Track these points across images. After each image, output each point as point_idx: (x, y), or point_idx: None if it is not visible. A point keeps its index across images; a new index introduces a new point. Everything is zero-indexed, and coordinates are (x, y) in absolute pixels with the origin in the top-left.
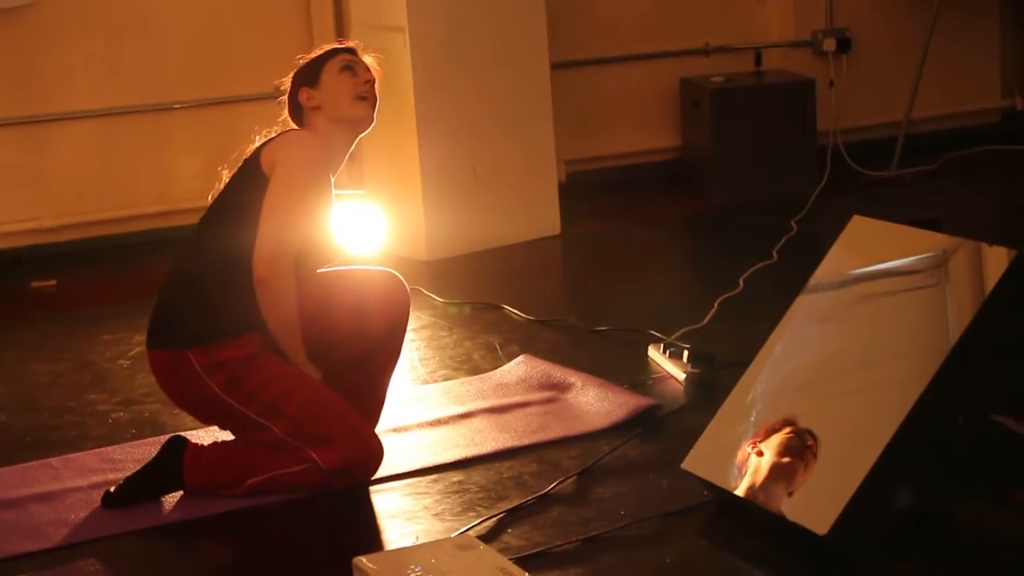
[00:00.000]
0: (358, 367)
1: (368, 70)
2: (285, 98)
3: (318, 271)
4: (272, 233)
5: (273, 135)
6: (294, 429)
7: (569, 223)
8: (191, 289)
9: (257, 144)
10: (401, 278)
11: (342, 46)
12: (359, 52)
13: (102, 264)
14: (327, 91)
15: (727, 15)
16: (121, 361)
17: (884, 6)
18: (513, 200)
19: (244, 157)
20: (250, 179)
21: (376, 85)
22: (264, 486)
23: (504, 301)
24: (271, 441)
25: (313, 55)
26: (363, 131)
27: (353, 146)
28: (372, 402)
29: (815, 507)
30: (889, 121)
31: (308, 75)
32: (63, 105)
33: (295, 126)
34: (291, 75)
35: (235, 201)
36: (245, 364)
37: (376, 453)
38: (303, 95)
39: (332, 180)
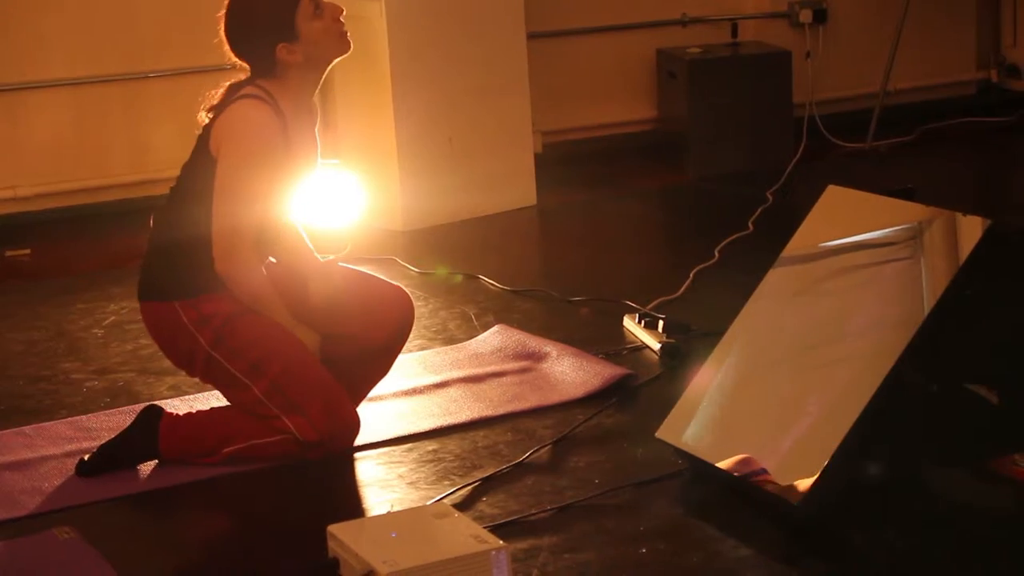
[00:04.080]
0: (347, 366)
1: (326, 2)
2: (240, 61)
3: (340, 263)
4: (223, 221)
5: (216, 101)
6: (273, 391)
7: (545, 194)
8: (172, 248)
9: (206, 117)
10: (412, 301)
11: None
12: None
13: (77, 233)
14: (309, 42)
15: None
16: (95, 330)
17: None
18: (489, 170)
19: (198, 132)
20: (203, 159)
21: (342, 11)
22: (239, 455)
23: (480, 271)
24: (251, 402)
25: (249, 9)
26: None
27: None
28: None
29: (789, 475)
30: (865, 93)
31: (280, 29)
32: (38, 73)
33: (246, 89)
34: (231, 34)
35: (190, 183)
36: (231, 320)
37: (352, 425)
38: (283, 51)
39: (295, 143)
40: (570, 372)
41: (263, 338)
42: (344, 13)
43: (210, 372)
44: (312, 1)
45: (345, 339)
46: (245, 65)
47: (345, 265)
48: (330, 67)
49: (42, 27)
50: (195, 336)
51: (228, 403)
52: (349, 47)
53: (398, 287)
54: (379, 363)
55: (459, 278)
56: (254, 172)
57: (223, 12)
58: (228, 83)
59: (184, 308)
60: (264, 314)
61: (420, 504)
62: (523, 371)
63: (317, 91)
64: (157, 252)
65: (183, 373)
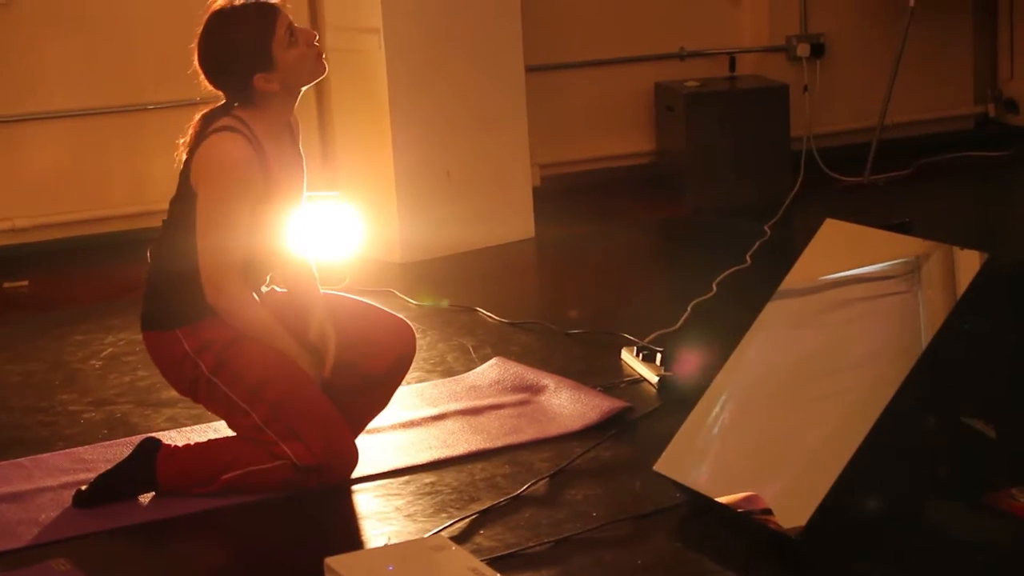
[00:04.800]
0: (347, 396)
1: (298, 27)
2: (216, 90)
3: (336, 294)
4: (208, 256)
5: (191, 136)
6: (271, 417)
7: (543, 227)
8: (171, 278)
9: (184, 153)
10: (413, 333)
11: (259, 4)
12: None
13: (74, 265)
14: (286, 69)
15: (702, 20)
16: (93, 361)
17: (858, 12)
18: (487, 203)
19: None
20: (186, 193)
21: (316, 36)
22: (237, 483)
23: (478, 304)
24: (250, 428)
25: (225, 39)
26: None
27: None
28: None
29: (787, 509)
30: (863, 127)
31: (257, 59)
32: (36, 105)
33: (220, 121)
34: (206, 65)
35: (179, 216)
36: (231, 345)
37: (350, 456)
38: (260, 81)
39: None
40: (568, 405)
41: (263, 364)
42: (317, 37)
43: (212, 398)
44: (287, 30)
45: (345, 367)
46: (220, 94)
47: (347, 295)
48: (306, 88)
49: (41, 59)
50: (196, 363)
51: (228, 434)
52: (324, 70)
53: (400, 318)
54: (379, 393)
55: (446, 303)
56: (233, 206)
57: (196, 43)
58: (201, 114)
59: (185, 335)
60: (266, 342)
61: (417, 537)
62: (521, 403)
63: (295, 109)
64: (156, 283)
65: (181, 405)
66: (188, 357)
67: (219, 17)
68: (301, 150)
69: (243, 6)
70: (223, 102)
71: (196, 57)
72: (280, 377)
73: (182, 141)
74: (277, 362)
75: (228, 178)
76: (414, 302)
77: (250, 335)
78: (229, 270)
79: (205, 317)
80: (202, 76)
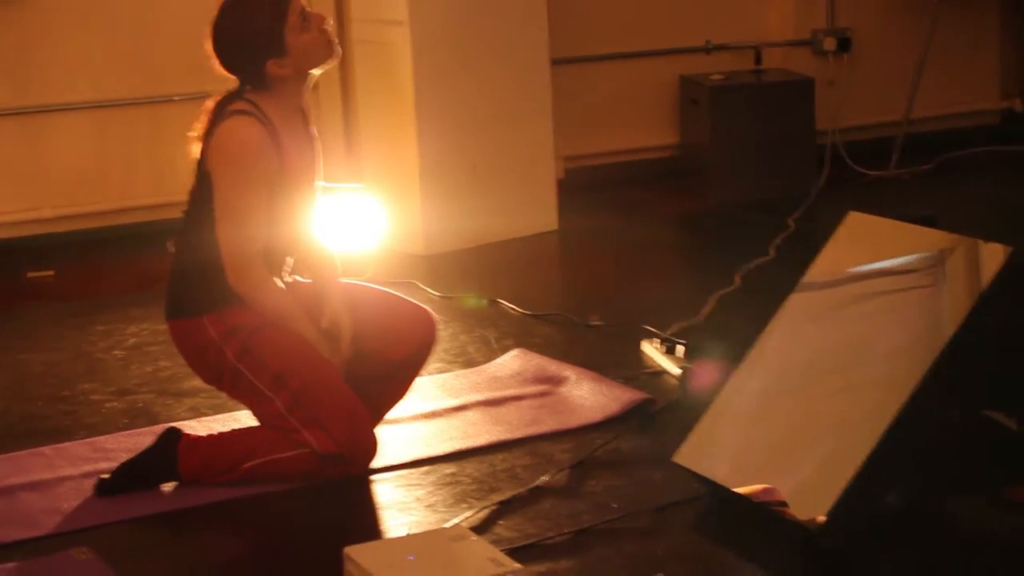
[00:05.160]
0: (367, 383)
1: (310, 11)
2: (230, 75)
3: (359, 283)
4: (229, 241)
5: (205, 125)
6: (294, 404)
7: (567, 219)
8: (195, 267)
9: (199, 141)
10: (436, 320)
11: None
12: None
13: (99, 255)
14: (299, 55)
15: (728, 13)
16: (116, 351)
17: (884, 6)
18: (511, 195)
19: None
20: (203, 181)
21: (327, 19)
22: (259, 471)
23: (500, 295)
24: (273, 415)
25: (239, 26)
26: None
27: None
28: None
29: (808, 501)
30: (888, 121)
31: (270, 45)
32: (61, 96)
33: (234, 105)
34: (221, 51)
35: (199, 206)
36: (257, 332)
37: (371, 445)
38: (273, 66)
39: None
40: (589, 396)
41: (287, 350)
42: (329, 21)
43: (237, 386)
44: (299, 15)
45: (366, 355)
46: (233, 77)
47: (369, 285)
48: (318, 72)
49: (66, 50)
50: (222, 350)
51: (250, 424)
52: (338, 53)
53: (422, 307)
54: (399, 381)
55: (485, 303)
56: (250, 188)
57: (210, 27)
58: (214, 101)
59: (211, 322)
60: (288, 328)
61: (437, 527)
62: (542, 395)
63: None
64: (180, 273)
65: (202, 395)
66: (213, 345)
67: (233, 3)
68: (314, 132)
69: None
70: (235, 88)
71: (210, 42)
72: (304, 365)
73: (195, 131)
74: (302, 350)
75: (243, 160)
76: (434, 295)
77: (273, 320)
78: (250, 252)
79: (231, 304)
80: (215, 60)
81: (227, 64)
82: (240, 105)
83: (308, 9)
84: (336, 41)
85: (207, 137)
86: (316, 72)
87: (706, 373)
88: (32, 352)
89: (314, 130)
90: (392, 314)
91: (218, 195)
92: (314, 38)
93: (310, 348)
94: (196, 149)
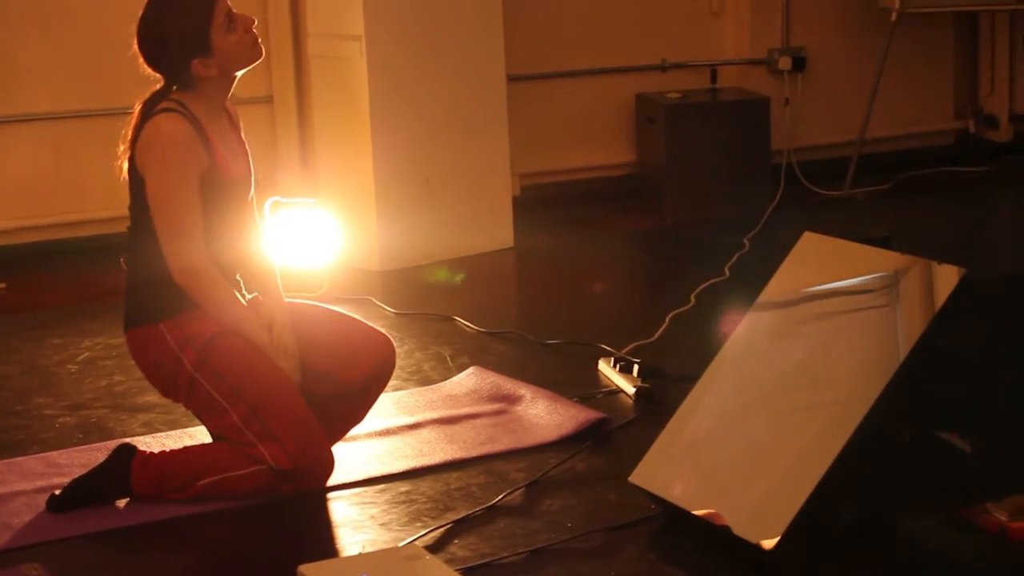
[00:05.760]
0: (321, 405)
1: (237, 12)
2: (155, 73)
3: (315, 303)
4: (169, 243)
5: (132, 129)
6: (250, 417)
7: (523, 236)
8: (148, 277)
9: (128, 145)
10: (392, 345)
11: None
12: None
13: (52, 268)
14: (224, 55)
15: (684, 32)
16: (69, 365)
17: (840, 26)
18: (467, 212)
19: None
20: (138, 185)
21: (254, 21)
22: (213, 489)
23: (456, 313)
24: (228, 427)
25: (164, 25)
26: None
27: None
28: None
29: (762, 522)
30: (843, 141)
31: (195, 44)
32: (15, 107)
33: (160, 105)
34: (145, 49)
35: (140, 216)
36: (214, 340)
37: (326, 462)
38: (199, 66)
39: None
40: (544, 415)
41: (244, 362)
42: (256, 23)
43: (192, 396)
44: (226, 15)
45: (319, 376)
46: (159, 76)
47: (325, 305)
48: (242, 73)
49: (21, 61)
50: (179, 359)
51: (204, 440)
52: (261, 55)
53: (380, 331)
54: (353, 406)
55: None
56: (183, 181)
57: (136, 25)
58: (140, 103)
59: (168, 328)
60: (244, 332)
61: (392, 545)
62: (497, 413)
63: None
64: (134, 286)
65: (156, 410)
66: (170, 353)
67: (158, 2)
68: (243, 138)
69: None
70: (160, 88)
71: (135, 40)
72: (260, 378)
73: (122, 141)
74: (259, 362)
75: (171, 153)
76: (389, 311)
77: (227, 323)
78: (191, 246)
79: (186, 310)
80: (140, 59)
81: (151, 62)
82: (165, 104)
83: (235, 11)
84: (261, 42)
85: (135, 142)
86: (239, 73)
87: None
88: None
89: (243, 136)
90: (347, 337)
91: (151, 192)
92: (240, 39)
93: (267, 360)
94: (125, 158)
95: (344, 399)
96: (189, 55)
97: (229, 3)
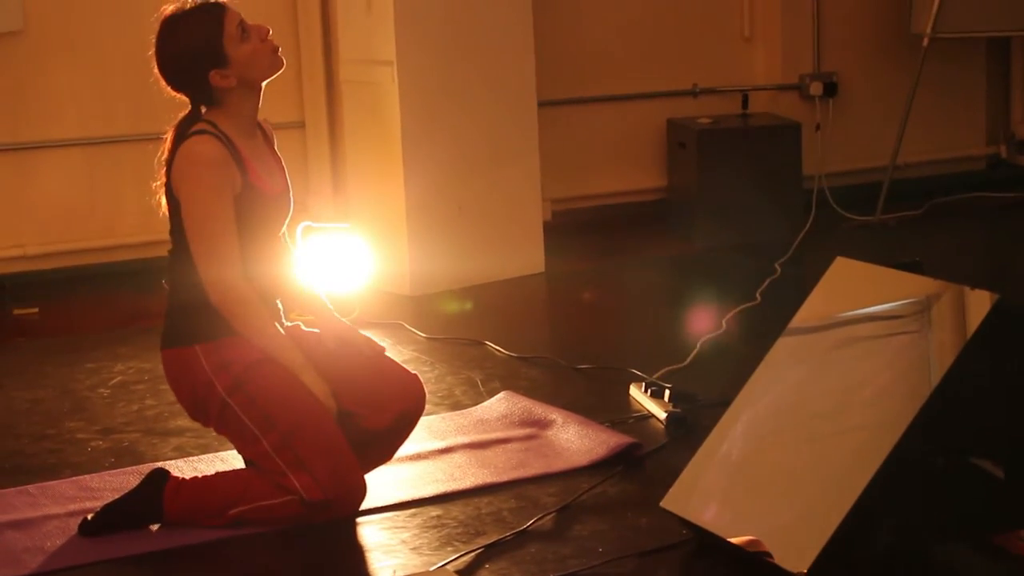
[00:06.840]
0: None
1: (251, 23)
2: (178, 94)
3: (349, 337)
4: (206, 267)
5: (166, 154)
6: (282, 446)
7: (553, 261)
8: (188, 299)
9: (163, 171)
10: (424, 390)
11: (207, 5)
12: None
13: (85, 292)
14: (241, 64)
15: (715, 57)
16: (101, 390)
17: (871, 52)
18: (498, 237)
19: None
20: (175, 209)
21: (268, 31)
22: (245, 517)
23: (487, 337)
24: (260, 455)
25: (177, 42)
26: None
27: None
28: None
29: (794, 548)
30: (875, 166)
31: (209, 56)
32: (50, 133)
33: (190, 127)
34: (163, 68)
35: (179, 240)
36: (251, 368)
37: (358, 490)
38: (216, 77)
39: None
40: (575, 440)
41: (279, 389)
42: (271, 32)
43: (224, 421)
44: (238, 26)
45: (347, 416)
46: (184, 98)
47: (361, 332)
48: (266, 83)
49: (55, 87)
50: (212, 383)
51: (236, 465)
52: (282, 64)
53: (411, 373)
54: (380, 448)
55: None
56: (218, 202)
57: (153, 52)
58: (171, 128)
59: (205, 351)
60: (280, 358)
61: (423, 570)
62: (528, 438)
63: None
64: (174, 307)
65: (188, 434)
66: (204, 375)
67: (169, 23)
68: (279, 154)
69: (191, 9)
70: (189, 111)
71: (155, 65)
72: (295, 406)
73: (157, 165)
74: (294, 390)
75: (205, 174)
76: (420, 336)
77: (265, 348)
78: (228, 267)
79: (225, 334)
80: (163, 83)
81: (172, 82)
82: (197, 126)
83: (252, 26)
84: (280, 51)
85: (169, 166)
86: (264, 84)
87: None
88: (17, 389)
89: (278, 151)
90: (379, 378)
91: (186, 214)
92: (256, 48)
93: (303, 389)
94: (162, 183)
95: (368, 442)
96: (205, 68)
97: (241, 15)
